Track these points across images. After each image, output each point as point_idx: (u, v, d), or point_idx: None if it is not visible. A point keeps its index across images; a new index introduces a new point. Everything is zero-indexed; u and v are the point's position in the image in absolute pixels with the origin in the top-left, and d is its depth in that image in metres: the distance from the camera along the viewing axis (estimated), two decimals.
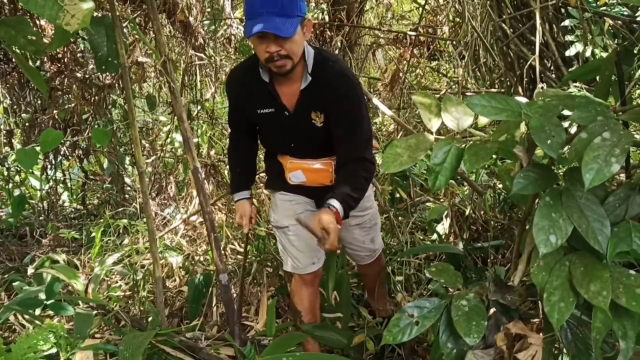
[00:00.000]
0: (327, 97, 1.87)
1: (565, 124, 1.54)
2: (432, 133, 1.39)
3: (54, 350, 1.95)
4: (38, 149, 2.36)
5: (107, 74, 3.86)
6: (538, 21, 2.71)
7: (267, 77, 1.89)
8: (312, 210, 2.13)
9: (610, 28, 3.08)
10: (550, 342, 1.36)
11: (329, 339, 2.24)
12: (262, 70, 1.89)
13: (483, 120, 2.08)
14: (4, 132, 4.59)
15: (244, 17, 1.77)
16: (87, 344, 2.05)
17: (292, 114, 1.93)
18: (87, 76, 4.08)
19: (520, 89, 3.58)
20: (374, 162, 1.97)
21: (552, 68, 3.51)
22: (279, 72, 1.80)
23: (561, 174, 1.36)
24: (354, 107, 1.88)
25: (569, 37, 3.15)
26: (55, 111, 4.26)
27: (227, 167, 2.16)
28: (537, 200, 1.43)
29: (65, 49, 3.93)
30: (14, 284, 2.93)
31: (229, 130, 2.24)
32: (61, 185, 5.19)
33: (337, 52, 4.75)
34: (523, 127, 1.41)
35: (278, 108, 1.94)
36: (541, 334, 1.39)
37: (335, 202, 1.79)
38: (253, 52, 1.88)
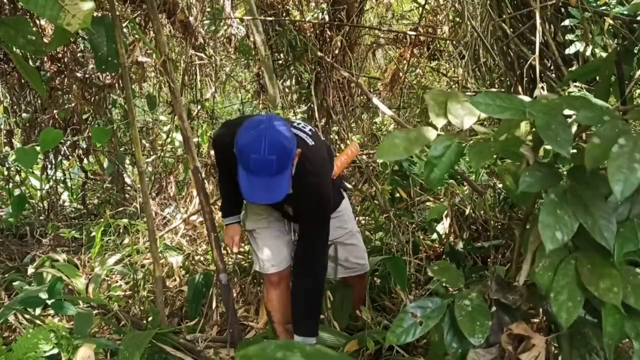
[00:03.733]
0: (298, 205, 2.04)
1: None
2: (436, 129, 1.36)
3: (55, 351, 1.95)
4: (38, 148, 2.35)
5: (107, 73, 3.87)
6: (538, 21, 2.71)
7: None
8: (276, 216, 2.26)
9: (610, 28, 3.08)
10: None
11: (324, 340, 2.22)
12: None
13: (481, 115, 2.08)
14: (4, 131, 4.58)
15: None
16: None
17: None
18: (87, 76, 4.08)
19: (520, 89, 3.58)
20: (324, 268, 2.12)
21: (552, 68, 3.50)
22: None
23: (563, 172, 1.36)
24: (317, 229, 2.04)
25: (569, 37, 3.15)
26: (55, 111, 4.25)
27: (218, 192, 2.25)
28: (538, 200, 1.43)
29: (65, 49, 3.92)
30: (14, 283, 2.93)
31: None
32: (61, 185, 5.19)
33: (337, 52, 4.71)
34: (523, 127, 1.40)
35: None
36: (541, 333, 1.39)
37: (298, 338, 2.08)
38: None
